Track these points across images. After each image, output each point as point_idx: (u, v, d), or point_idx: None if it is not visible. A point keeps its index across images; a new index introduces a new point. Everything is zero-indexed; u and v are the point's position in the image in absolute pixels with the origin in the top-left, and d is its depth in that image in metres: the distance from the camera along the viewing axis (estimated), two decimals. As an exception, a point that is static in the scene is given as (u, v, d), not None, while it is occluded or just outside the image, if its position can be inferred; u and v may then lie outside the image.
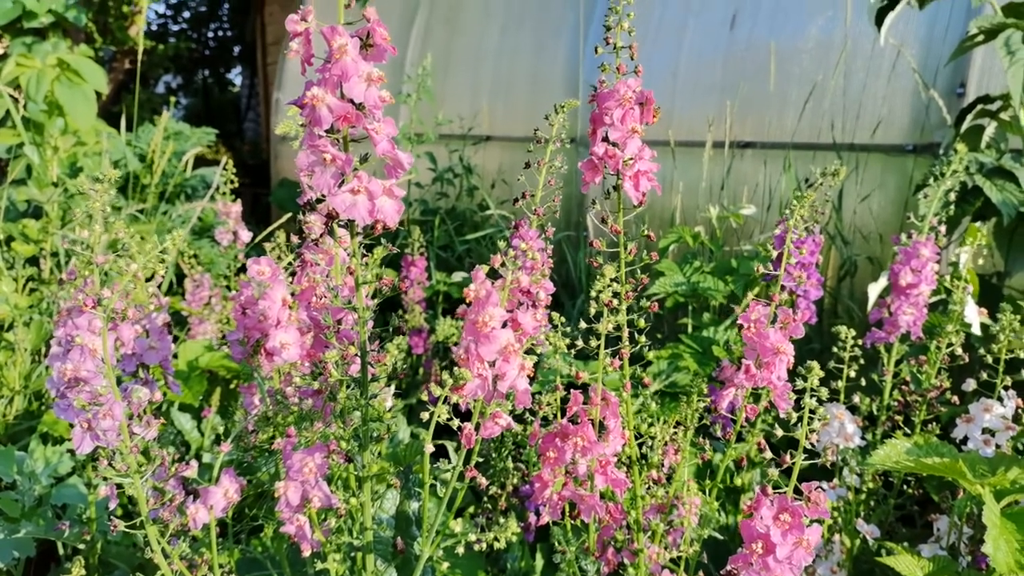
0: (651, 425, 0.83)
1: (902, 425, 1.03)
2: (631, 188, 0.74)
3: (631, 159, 0.74)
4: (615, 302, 0.71)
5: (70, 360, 0.72)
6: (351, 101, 0.61)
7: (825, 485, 1.09)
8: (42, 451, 1.33)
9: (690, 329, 1.85)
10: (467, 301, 0.65)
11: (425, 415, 0.67)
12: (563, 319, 0.85)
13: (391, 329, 0.70)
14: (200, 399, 1.51)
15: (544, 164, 0.94)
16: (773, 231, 2.39)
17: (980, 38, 1.71)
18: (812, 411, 0.60)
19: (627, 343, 0.74)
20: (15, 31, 3.58)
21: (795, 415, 0.66)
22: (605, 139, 0.75)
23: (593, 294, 0.70)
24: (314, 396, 0.76)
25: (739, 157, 2.61)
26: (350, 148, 0.65)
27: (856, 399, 1.08)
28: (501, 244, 0.66)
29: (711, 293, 1.73)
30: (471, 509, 1.32)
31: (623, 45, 0.73)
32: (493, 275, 0.66)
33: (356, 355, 0.71)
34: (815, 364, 0.59)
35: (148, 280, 1.00)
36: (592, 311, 0.71)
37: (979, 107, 1.86)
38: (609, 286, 0.71)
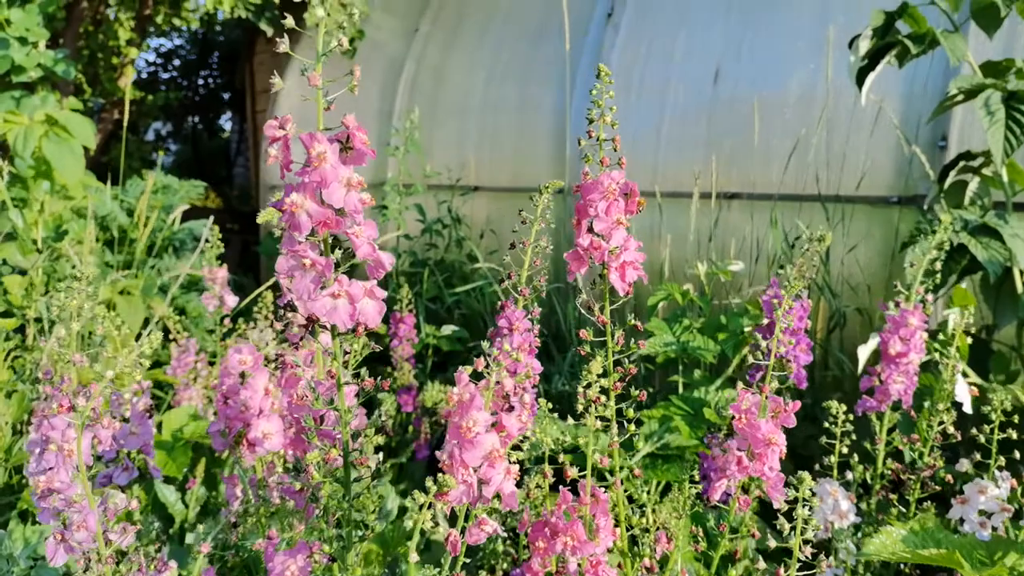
0: (642, 515, 0.81)
1: (896, 503, 1.02)
2: (617, 279, 0.74)
3: (616, 250, 0.73)
4: (603, 398, 0.70)
5: (44, 461, 0.70)
6: (331, 206, 0.61)
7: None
8: (21, 531, 1.30)
9: (681, 387, 1.83)
10: (450, 404, 0.64)
11: (413, 499, 0.65)
12: (545, 389, 0.84)
13: (374, 430, 0.68)
14: (185, 471, 1.48)
15: (529, 244, 0.94)
16: (761, 286, 2.39)
17: (960, 98, 1.73)
18: (806, 521, 0.59)
19: (615, 436, 0.73)
20: (3, 85, 3.59)
21: (788, 506, 0.64)
22: (590, 230, 0.74)
23: (580, 389, 0.69)
24: (296, 496, 0.74)
25: (726, 208, 2.63)
26: (330, 249, 0.64)
27: (849, 475, 1.07)
28: (485, 346, 0.64)
29: (701, 353, 1.73)
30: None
31: (606, 137, 0.72)
32: (477, 376, 0.65)
33: (339, 456, 0.70)
34: (806, 476, 0.58)
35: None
36: (579, 408, 0.70)
37: (961, 163, 1.88)
38: (597, 381, 0.70)
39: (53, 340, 0.70)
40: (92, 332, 1.02)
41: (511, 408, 0.66)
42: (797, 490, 0.59)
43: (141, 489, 1.53)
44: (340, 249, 0.67)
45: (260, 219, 0.82)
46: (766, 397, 0.75)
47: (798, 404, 0.75)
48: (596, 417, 0.71)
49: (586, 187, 0.73)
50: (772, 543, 0.63)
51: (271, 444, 0.85)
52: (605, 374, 0.76)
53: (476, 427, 0.62)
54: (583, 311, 0.77)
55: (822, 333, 2.32)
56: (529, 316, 0.95)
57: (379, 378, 0.72)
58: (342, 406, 0.68)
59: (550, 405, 0.83)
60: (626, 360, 0.77)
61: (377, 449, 1.71)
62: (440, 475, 0.63)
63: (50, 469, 0.65)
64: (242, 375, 0.84)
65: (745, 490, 0.77)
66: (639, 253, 0.75)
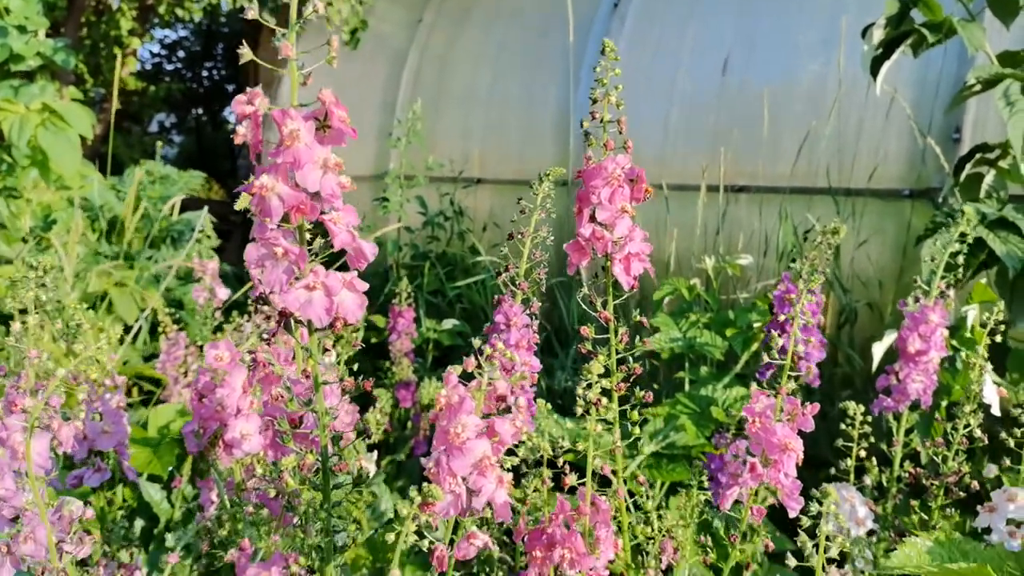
0: (647, 523, 0.76)
1: (917, 510, 0.96)
2: (621, 272, 0.68)
3: (621, 240, 0.68)
4: (605, 400, 0.64)
5: (-2, 465, 0.65)
6: (305, 190, 0.55)
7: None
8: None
9: (687, 384, 1.77)
10: (437, 407, 0.58)
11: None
12: (548, 385, 0.79)
13: (356, 433, 0.62)
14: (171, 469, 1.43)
15: (528, 235, 0.88)
16: (769, 280, 2.33)
17: (978, 88, 1.67)
18: (829, 537, 0.53)
19: (619, 440, 0.67)
20: (2, 74, 3.53)
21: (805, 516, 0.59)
22: (592, 219, 0.68)
23: (580, 391, 0.64)
24: (271, 503, 0.69)
25: (734, 202, 2.56)
26: (306, 238, 0.58)
27: (867, 479, 1.02)
28: (478, 343, 0.59)
29: (709, 350, 1.67)
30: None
31: (611, 119, 0.67)
32: (468, 377, 0.60)
33: (316, 462, 0.64)
34: (831, 489, 0.53)
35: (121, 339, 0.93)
36: (579, 411, 0.64)
37: (978, 155, 1.82)
38: (597, 382, 0.64)
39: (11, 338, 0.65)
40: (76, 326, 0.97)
41: (506, 411, 0.61)
42: (819, 503, 0.53)
43: (127, 488, 1.48)
44: (321, 237, 0.61)
45: (238, 206, 0.77)
46: (781, 398, 0.70)
47: (816, 407, 0.69)
48: (598, 420, 0.65)
49: (588, 172, 0.68)
50: (792, 562, 0.57)
51: (249, 446, 0.79)
52: (607, 374, 0.71)
53: (465, 433, 0.57)
54: (584, 306, 0.71)
55: (832, 329, 2.26)
56: (528, 311, 0.90)
57: (362, 377, 0.67)
58: (320, 407, 0.62)
59: (550, 405, 0.77)
60: (630, 359, 0.71)
61: (373, 447, 1.65)
62: (426, 484, 0.57)
63: (-2, 475, 0.60)
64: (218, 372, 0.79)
65: (758, 497, 0.71)
66: (645, 244, 0.69)
